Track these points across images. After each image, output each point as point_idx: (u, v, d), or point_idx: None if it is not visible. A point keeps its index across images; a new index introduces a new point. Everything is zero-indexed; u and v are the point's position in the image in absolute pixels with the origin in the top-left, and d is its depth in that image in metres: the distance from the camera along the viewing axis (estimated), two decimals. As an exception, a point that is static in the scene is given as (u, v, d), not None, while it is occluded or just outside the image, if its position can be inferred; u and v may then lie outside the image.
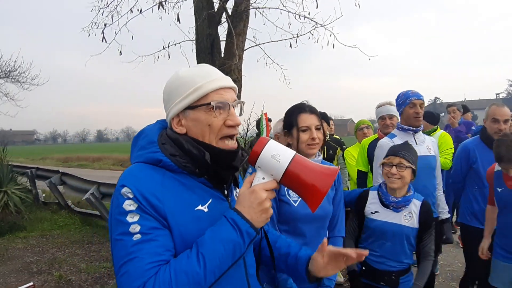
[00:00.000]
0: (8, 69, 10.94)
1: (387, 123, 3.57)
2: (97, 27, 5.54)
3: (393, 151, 2.34)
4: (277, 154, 1.07)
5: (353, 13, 4.50)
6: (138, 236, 1.00)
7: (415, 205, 2.31)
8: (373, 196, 2.39)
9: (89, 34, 5.59)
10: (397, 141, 2.94)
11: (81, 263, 5.12)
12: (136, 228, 1.01)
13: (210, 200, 1.14)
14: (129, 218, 1.02)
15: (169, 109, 1.18)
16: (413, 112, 2.88)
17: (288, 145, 2.05)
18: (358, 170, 3.81)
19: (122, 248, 1.01)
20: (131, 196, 1.03)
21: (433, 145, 3.00)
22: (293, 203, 1.94)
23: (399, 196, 2.29)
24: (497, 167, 2.64)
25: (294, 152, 1.10)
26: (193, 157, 1.12)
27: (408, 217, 2.28)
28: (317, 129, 2.01)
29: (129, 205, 1.03)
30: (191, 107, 1.14)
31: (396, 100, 3.04)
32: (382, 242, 2.31)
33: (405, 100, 2.94)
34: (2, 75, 11.01)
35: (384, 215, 2.30)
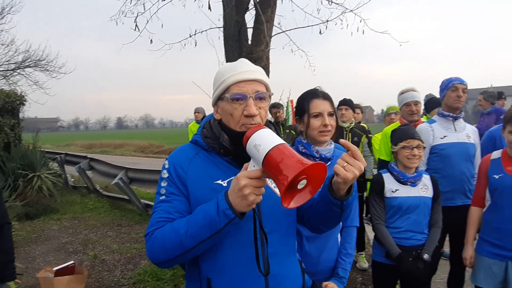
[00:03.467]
0: (37, 58, 11.29)
1: (412, 109, 3.40)
2: (125, 16, 5.66)
3: (410, 134, 2.49)
4: (259, 145, 1.07)
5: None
6: (163, 197, 1.32)
7: (426, 179, 2.55)
8: (387, 177, 2.55)
9: (116, 23, 5.71)
10: (436, 127, 3.01)
11: (113, 244, 5.34)
12: (163, 191, 1.33)
13: (232, 177, 1.25)
14: (163, 183, 1.34)
15: (212, 99, 1.40)
16: (455, 95, 2.93)
17: (300, 132, 2.03)
18: (379, 159, 3.69)
19: (155, 202, 1.35)
20: (166, 167, 1.36)
21: (473, 134, 3.03)
22: None
23: (412, 173, 2.49)
24: (494, 155, 2.55)
25: (279, 142, 1.06)
26: (217, 139, 1.33)
27: (425, 189, 2.50)
28: (330, 115, 1.92)
29: (164, 173, 1.35)
30: (220, 98, 1.33)
31: (440, 86, 3.09)
32: (407, 216, 2.47)
33: (448, 84, 2.99)
34: (31, 64, 11.36)
35: (405, 191, 2.48)
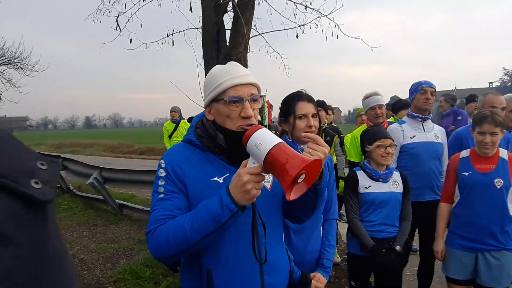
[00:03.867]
0: (11, 56, 11.00)
1: (377, 112, 3.56)
2: (103, 14, 5.62)
3: (383, 134, 2.66)
4: (260, 144, 1.15)
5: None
6: (162, 195, 1.37)
7: (396, 175, 2.72)
8: (361, 174, 2.71)
9: (94, 22, 5.67)
10: (406, 127, 3.19)
11: (90, 244, 5.31)
12: (161, 189, 1.38)
13: (228, 174, 1.38)
14: (160, 182, 1.40)
15: (204, 100, 1.46)
16: (424, 98, 3.13)
17: (284, 132, 2.15)
18: (349, 160, 3.87)
19: (153, 200, 1.40)
20: (163, 166, 1.41)
21: (441, 134, 3.23)
22: None
23: (384, 170, 2.66)
24: (462, 154, 2.68)
25: (278, 141, 1.15)
26: (212, 138, 1.40)
27: (395, 185, 2.68)
28: (314, 117, 2.05)
29: (161, 172, 1.41)
30: (215, 100, 1.39)
31: (409, 89, 3.28)
32: (380, 210, 2.63)
33: (417, 87, 3.18)
34: (5, 61, 11.05)
35: (377, 187, 2.65)
